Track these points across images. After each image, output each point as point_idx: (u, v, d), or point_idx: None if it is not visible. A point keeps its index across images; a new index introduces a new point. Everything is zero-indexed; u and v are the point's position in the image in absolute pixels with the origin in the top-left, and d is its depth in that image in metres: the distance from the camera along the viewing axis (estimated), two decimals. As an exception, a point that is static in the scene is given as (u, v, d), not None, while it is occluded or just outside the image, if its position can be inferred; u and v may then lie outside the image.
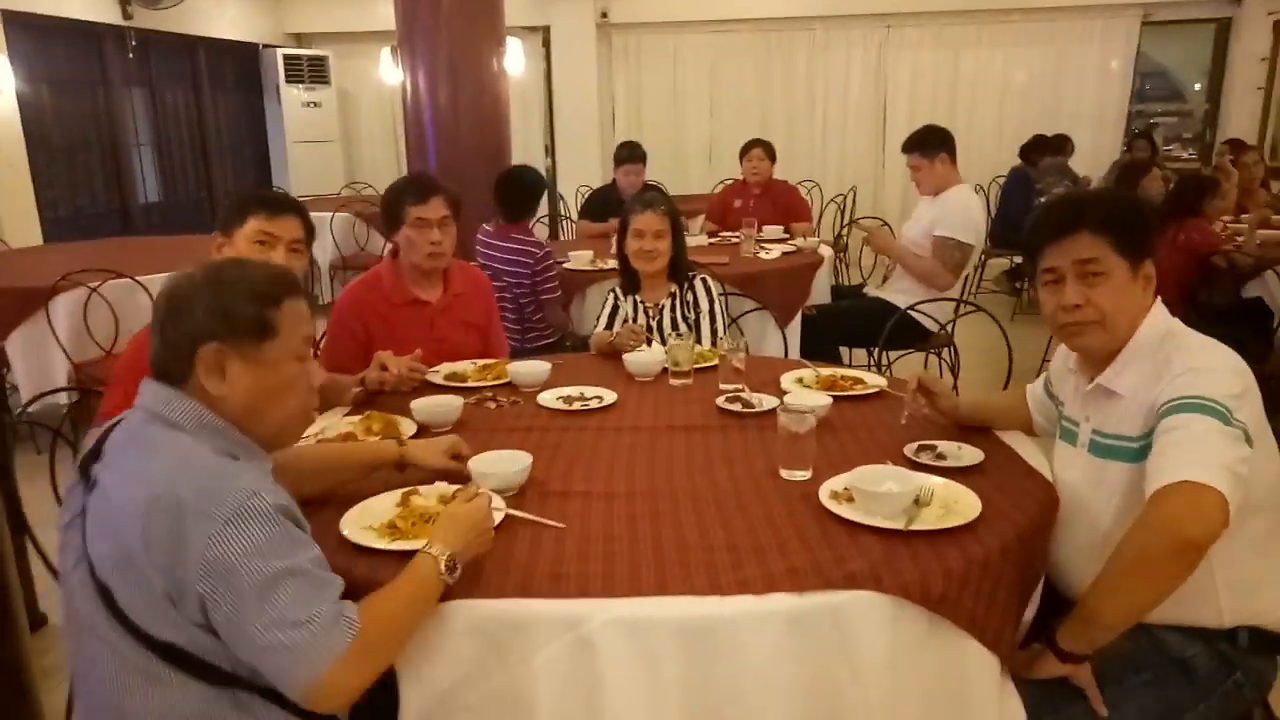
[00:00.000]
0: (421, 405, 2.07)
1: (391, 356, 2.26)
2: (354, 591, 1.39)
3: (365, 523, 1.54)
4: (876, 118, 8.71)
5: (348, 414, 2.20)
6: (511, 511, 1.57)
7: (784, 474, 1.74)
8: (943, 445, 1.83)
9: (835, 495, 1.60)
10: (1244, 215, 5.13)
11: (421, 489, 1.65)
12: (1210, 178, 4.34)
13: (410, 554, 1.42)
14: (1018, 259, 7.05)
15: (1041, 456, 1.85)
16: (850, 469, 1.67)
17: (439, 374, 2.43)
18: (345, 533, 1.49)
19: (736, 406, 2.15)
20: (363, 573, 1.40)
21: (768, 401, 2.15)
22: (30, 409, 3.80)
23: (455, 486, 1.64)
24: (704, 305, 2.90)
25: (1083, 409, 1.70)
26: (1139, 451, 1.52)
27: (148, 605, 1.19)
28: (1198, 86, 9.32)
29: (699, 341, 2.81)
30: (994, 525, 1.51)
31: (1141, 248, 1.60)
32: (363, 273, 2.74)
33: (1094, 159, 7.97)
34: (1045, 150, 7.04)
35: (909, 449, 1.83)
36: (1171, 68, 10.12)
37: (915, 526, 1.47)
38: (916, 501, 1.55)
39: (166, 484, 1.19)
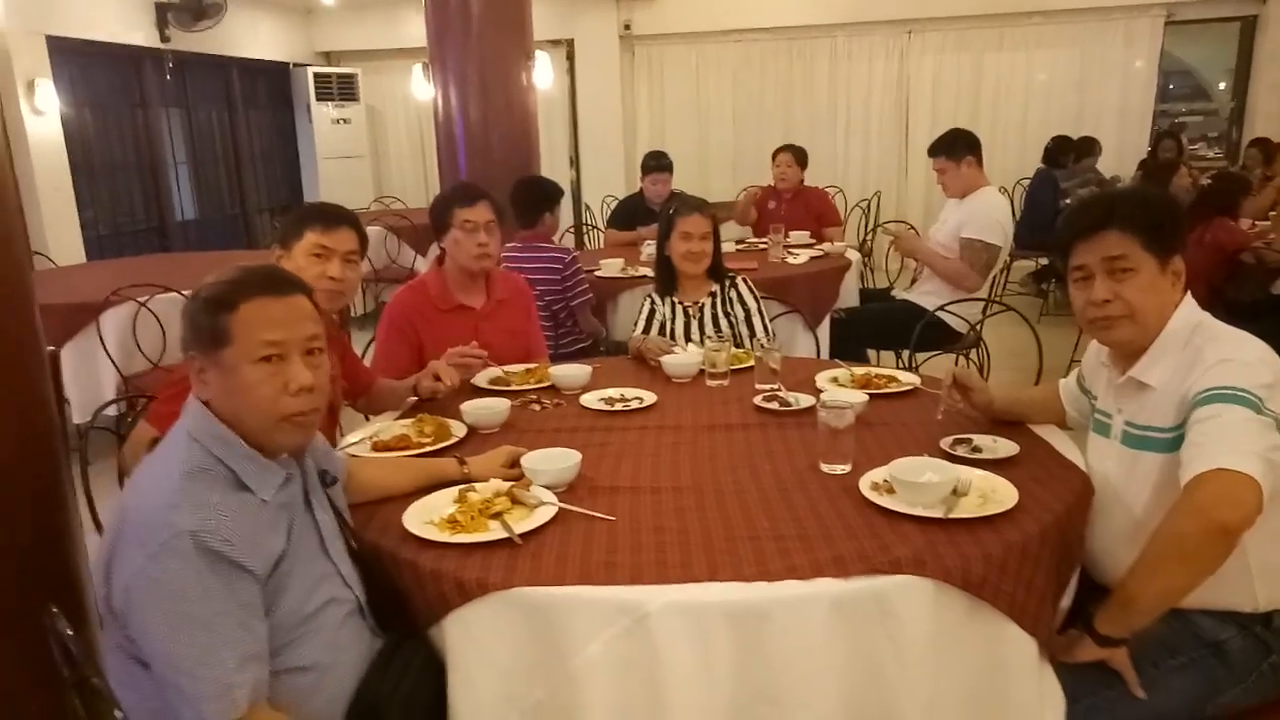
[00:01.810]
0: (471, 408, 2.15)
1: (445, 366, 2.34)
2: (418, 582, 1.48)
3: (426, 518, 1.61)
4: (899, 123, 8.73)
5: (400, 417, 2.29)
6: (564, 505, 1.64)
7: (824, 468, 1.80)
8: (978, 439, 1.89)
9: (876, 486, 1.66)
10: (1272, 213, 5.13)
11: (477, 486, 1.73)
12: (1243, 177, 4.35)
13: (475, 545, 1.50)
14: (1044, 261, 7.06)
15: (1075, 448, 1.90)
16: (888, 462, 1.73)
17: (484, 379, 2.51)
18: (409, 527, 1.57)
19: (774, 405, 2.21)
20: (428, 563, 1.48)
21: (804, 400, 2.21)
22: (79, 421, 3.94)
23: (509, 483, 1.72)
24: (750, 303, 2.99)
25: (1115, 401, 1.75)
26: (1172, 442, 1.56)
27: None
28: (1222, 85, 9.26)
29: (744, 340, 2.89)
30: (1031, 513, 1.56)
31: (1170, 244, 1.65)
32: (394, 284, 2.84)
33: (1120, 160, 7.95)
34: (1069, 152, 7.03)
35: (945, 442, 1.88)
36: (1196, 67, 10.06)
37: (955, 515, 1.53)
38: (955, 491, 1.60)
39: (128, 499, 1.30)
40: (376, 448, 2.01)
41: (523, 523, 1.58)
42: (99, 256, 6.62)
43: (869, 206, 7.28)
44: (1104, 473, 1.74)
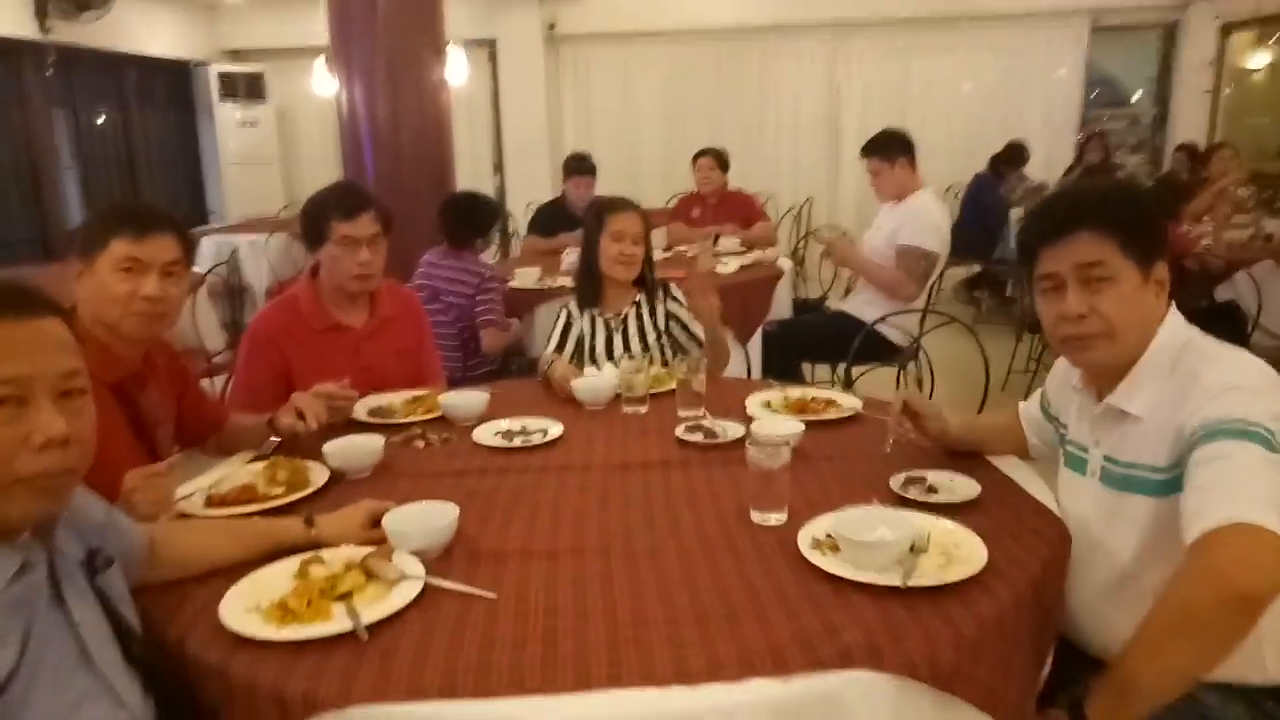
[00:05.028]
0: (336, 449, 1.79)
1: (309, 400, 1.93)
2: (228, 696, 1.13)
3: (252, 601, 1.26)
4: (829, 127, 8.57)
5: (253, 459, 1.92)
6: (432, 580, 1.31)
7: (755, 517, 1.50)
8: (933, 476, 1.61)
9: (817, 544, 1.37)
10: (1206, 217, 5.05)
11: (325, 554, 1.38)
12: (1184, 181, 4.22)
13: (308, 643, 1.16)
14: (976, 268, 6.95)
15: (1043, 485, 1.64)
16: (829, 507, 1.46)
17: (363, 409, 2.15)
18: (224, 617, 1.21)
19: (698, 437, 1.91)
20: (241, 671, 1.12)
21: (732, 430, 1.92)
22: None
23: (365, 549, 1.38)
24: (683, 315, 2.65)
25: (1091, 432, 1.49)
26: (1166, 484, 1.31)
27: None
28: (1138, 94, 9.37)
29: (669, 357, 2.58)
30: (1005, 575, 1.28)
31: (1152, 248, 1.40)
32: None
33: (1048, 165, 7.90)
34: (1017, 160, 6.91)
35: (895, 482, 1.60)
36: (1117, 74, 10.18)
37: (915, 582, 1.24)
38: (912, 548, 1.32)
39: None
40: (213, 502, 1.65)
41: (376, 606, 1.24)
42: (-32, 268, 6.02)
43: (800, 213, 7.08)
44: (1080, 515, 1.49)
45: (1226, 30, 7.59)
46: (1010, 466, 1.72)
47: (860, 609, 1.20)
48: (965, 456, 1.75)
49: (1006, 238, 6.53)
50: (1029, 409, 1.76)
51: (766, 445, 1.49)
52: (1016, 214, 6.40)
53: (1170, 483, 1.30)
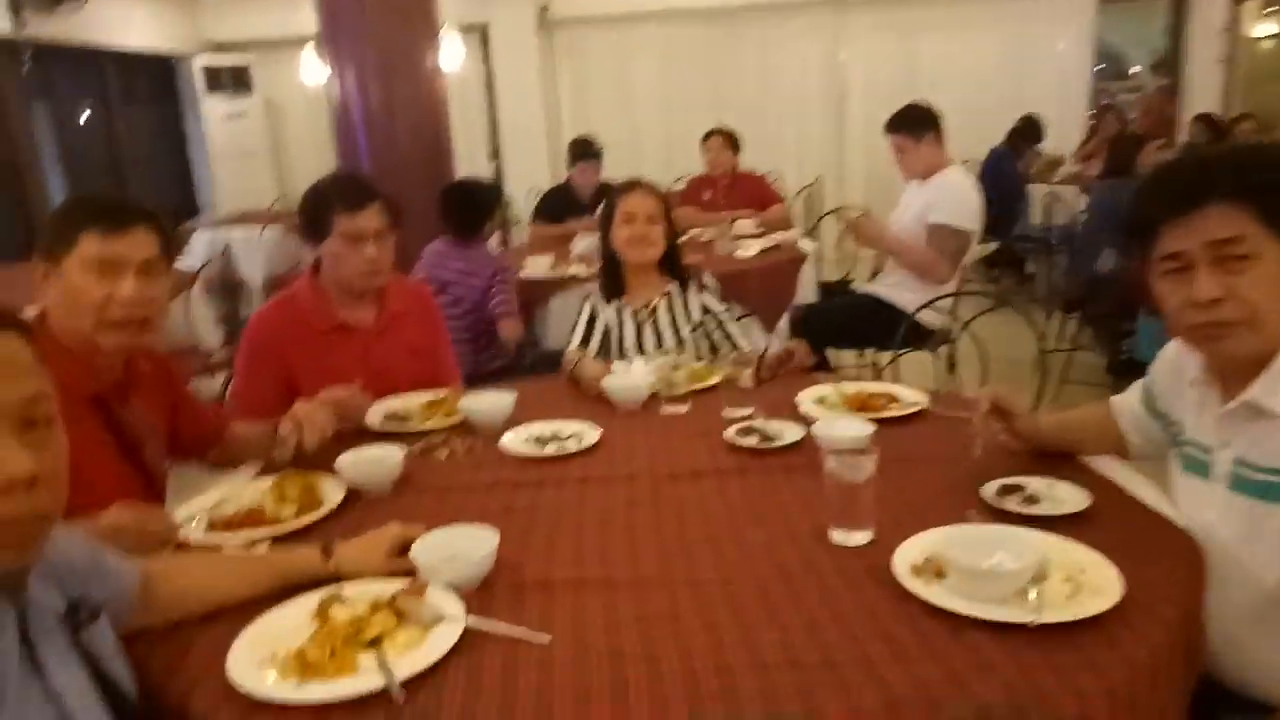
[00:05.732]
0: (350, 463, 1.60)
1: (311, 413, 1.71)
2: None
3: (265, 650, 1.07)
4: (835, 106, 8.36)
5: (259, 473, 1.73)
6: (473, 621, 1.12)
7: (835, 537, 1.32)
8: (1031, 484, 1.42)
9: (917, 569, 1.18)
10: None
11: (347, 590, 1.19)
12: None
13: (332, 706, 0.98)
14: (993, 246, 6.75)
15: (1153, 487, 1.46)
16: (918, 523, 1.28)
17: (377, 416, 1.96)
18: (232, 673, 1.03)
19: (752, 441, 1.72)
20: (256, 746, 0.94)
21: (789, 432, 1.73)
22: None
23: (394, 584, 1.19)
24: (717, 308, 2.47)
25: (1218, 432, 1.31)
26: (1329, 492, 1.13)
27: None
28: (1135, 69, 9.19)
29: (709, 352, 2.40)
30: (1146, 606, 1.09)
31: None
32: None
33: (1060, 139, 7.71)
34: (1034, 135, 6.74)
35: (988, 491, 1.41)
36: (1125, 46, 9.99)
37: (1048, 618, 1.05)
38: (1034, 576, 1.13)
39: None
40: (216, 526, 1.46)
41: (411, 657, 1.05)
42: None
43: (811, 193, 6.89)
44: (1206, 526, 1.30)
45: (1239, -1, 7.39)
46: (1111, 469, 1.53)
47: (986, 653, 1.01)
48: (1057, 458, 1.57)
49: (1025, 214, 6.34)
50: (1128, 404, 1.57)
51: (849, 455, 1.30)
52: (1037, 189, 6.21)
53: (1334, 491, 1.12)
